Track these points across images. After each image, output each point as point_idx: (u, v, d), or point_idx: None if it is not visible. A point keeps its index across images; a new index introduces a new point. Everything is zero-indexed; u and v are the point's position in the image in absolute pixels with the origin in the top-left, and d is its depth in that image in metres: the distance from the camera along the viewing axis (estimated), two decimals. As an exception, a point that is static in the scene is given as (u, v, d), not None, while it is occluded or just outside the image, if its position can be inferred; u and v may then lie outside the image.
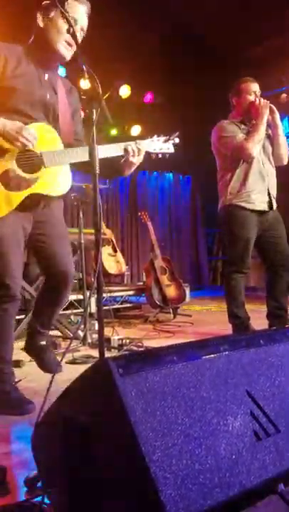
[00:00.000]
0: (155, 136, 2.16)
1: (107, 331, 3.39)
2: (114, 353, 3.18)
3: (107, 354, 2.64)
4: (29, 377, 2.41)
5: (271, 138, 3.30)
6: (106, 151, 1.98)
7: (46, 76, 2.07)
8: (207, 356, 1.09)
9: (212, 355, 1.10)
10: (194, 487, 0.86)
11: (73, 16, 1.92)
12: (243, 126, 3.22)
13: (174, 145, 2.21)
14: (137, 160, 2.08)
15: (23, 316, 3.53)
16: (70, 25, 1.72)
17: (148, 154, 2.15)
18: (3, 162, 1.92)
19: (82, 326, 3.56)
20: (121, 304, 5.43)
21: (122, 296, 5.41)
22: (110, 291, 5.01)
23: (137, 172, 8.56)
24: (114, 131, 6.90)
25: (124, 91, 6.53)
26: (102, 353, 1.54)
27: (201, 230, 9.39)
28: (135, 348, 3.28)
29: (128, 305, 5.62)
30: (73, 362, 2.89)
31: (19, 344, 2.65)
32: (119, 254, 5.57)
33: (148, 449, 0.85)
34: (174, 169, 9.01)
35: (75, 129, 2.17)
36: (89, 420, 0.97)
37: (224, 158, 3.26)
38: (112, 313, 4.10)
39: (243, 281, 3.26)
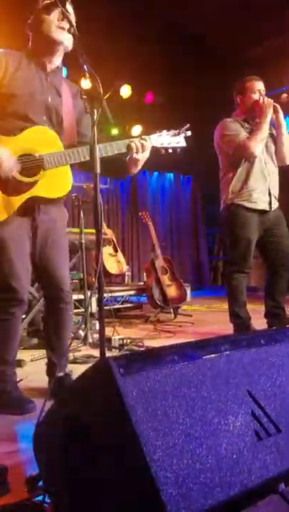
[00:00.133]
0: (164, 130, 2.06)
1: (108, 331, 3.40)
2: (115, 353, 3.18)
3: (108, 354, 2.64)
4: (30, 376, 2.42)
5: (274, 137, 3.28)
6: (107, 149, 1.93)
7: (48, 79, 2.06)
8: (208, 356, 1.09)
9: (213, 355, 1.10)
10: (195, 486, 0.86)
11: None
12: (246, 125, 3.21)
13: (186, 138, 2.08)
14: (141, 156, 2.00)
15: (23, 316, 3.53)
16: (71, 25, 1.71)
17: (157, 150, 2.04)
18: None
19: (83, 326, 3.56)
20: (122, 303, 5.43)
21: (122, 296, 5.41)
22: (111, 291, 5.02)
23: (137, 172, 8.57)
24: (115, 131, 6.91)
25: (125, 91, 6.54)
26: (102, 353, 1.54)
27: (202, 230, 9.39)
28: (136, 348, 3.28)
29: (129, 305, 5.62)
30: (74, 362, 2.89)
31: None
32: (119, 254, 5.58)
33: (149, 448, 0.85)
34: (175, 169, 9.02)
35: (82, 132, 2.14)
36: (90, 420, 0.97)
37: (227, 157, 3.25)
38: (113, 313, 4.10)
39: (245, 281, 3.26)
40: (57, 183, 1.98)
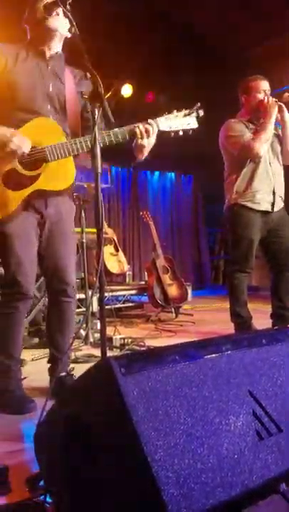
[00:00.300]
0: (175, 111, 1.92)
1: (109, 330, 3.40)
2: (116, 353, 3.18)
3: (109, 353, 2.64)
4: (31, 376, 2.42)
5: (280, 137, 3.26)
6: (111, 136, 1.86)
7: (49, 66, 2.05)
8: (209, 356, 1.09)
9: (214, 355, 1.10)
10: (196, 486, 0.86)
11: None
12: (251, 126, 3.18)
13: (198, 118, 1.92)
14: (147, 142, 1.90)
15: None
16: (72, 25, 1.71)
17: (165, 134, 1.92)
18: (6, 162, 1.93)
19: (84, 325, 3.56)
20: (123, 303, 5.43)
21: (124, 296, 5.41)
22: (112, 291, 5.02)
23: (138, 171, 8.57)
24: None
25: (127, 90, 6.53)
26: (104, 353, 1.54)
27: (203, 229, 9.39)
28: (137, 348, 3.27)
29: (130, 304, 5.62)
30: (75, 361, 2.89)
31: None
32: (120, 253, 5.58)
33: (150, 448, 0.85)
34: (176, 168, 9.01)
35: (87, 116, 2.06)
36: (91, 419, 0.97)
37: (231, 158, 3.23)
38: (114, 312, 4.10)
39: (246, 281, 3.25)
40: (60, 174, 1.96)
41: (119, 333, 3.55)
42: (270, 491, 0.95)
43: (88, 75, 1.63)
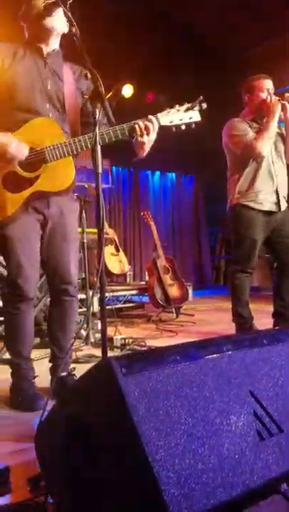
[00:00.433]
0: (177, 105, 1.87)
1: (110, 331, 3.40)
2: (116, 353, 3.18)
3: (110, 353, 2.64)
4: (32, 376, 2.41)
5: (283, 136, 3.24)
6: (111, 134, 1.83)
7: (47, 64, 2.04)
8: (210, 356, 1.09)
9: (215, 355, 1.10)
10: (197, 487, 0.86)
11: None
12: (254, 125, 3.17)
13: (201, 112, 1.87)
14: (147, 139, 1.87)
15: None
16: (73, 25, 1.71)
17: (167, 129, 1.87)
18: (5, 164, 1.93)
19: (85, 325, 3.56)
20: (124, 303, 5.44)
21: (124, 296, 5.41)
22: (113, 291, 5.03)
23: (139, 172, 8.58)
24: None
25: (127, 90, 6.53)
26: (104, 353, 1.54)
27: (204, 230, 9.39)
28: (138, 348, 3.27)
29: (131, 304, 5.63)
30: (76, 361, 2.89)
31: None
32: (121, 253, 5.58)
33: (151, 448, 0.85)
34: (177, 169, 9.02)
35: (87, 112, 2.06)
36: (91, 419, 0.97)
37: (234, 157, 3.22)
38: (115, 312, 4.11)
39: (248, 281, 3.25)
40: (59, 175, 1.95)
41: (120, 333, 3.55)
42: (271, 491, 0.95)
43: (89, 74, 1.62)
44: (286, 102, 3.11)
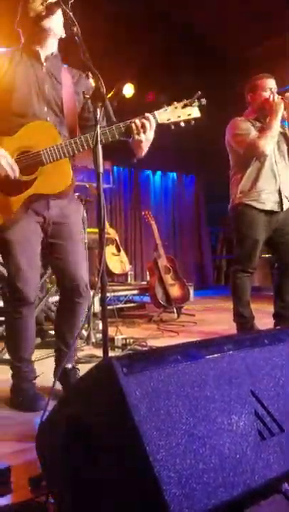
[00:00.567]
0: (175, 102, 1.82)
1: (111, 331, 3.40)
2: (117, 353, 3.18)
3: (111, 353, 2.64)
4: (33, 376, 2.41)
5: (286, 135, 3.23)
6: (108, 134, 1.81)
7: (44, 68, 2.02)
8: (211, 356, 1.09)
9: (216, 355, 1.10)
10: (198, 486, 0.86)
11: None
12: (257, 124, 3.17)
13: (200, 107, 1.82)
14: (145, 137, 1.83)
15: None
16: (74, 24, 1.70)
17: (166, 127, 1.82)
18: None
19: (86, 326, 3.56)
20: (125, 303, 5.43)
21: (125, 296, 5.41)
22: (114, 291, 5.02)
23: (140, 171, 8.58)
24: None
25: (128, 90, 6.54)
26: (105, 353, 1.54)
27: (205, 229, 9.39)
28: (139, 348, 3.27)
29: (132, 304, 5.62)
30: (77, 361, 2.89)
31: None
32: (122, 253, 5.58)
33: (152, 448, 0.85)
34: (178, 168, 9.01)
35: (86, 116, 2.08)
36: (92, 419, 0.97)
37: (237, 156, 3.22)
38: (116, 312, 4.11)
39: (249, 281, 3.24)
40: (56, 177, 1.93)
41: (121, 333, 3.55)
42: (272, 490, 0.95)
43: (90, 74, 1.62)
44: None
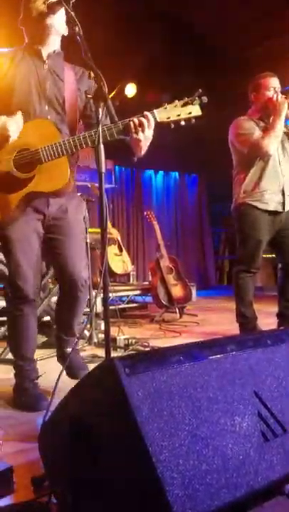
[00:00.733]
0: (176, 100, 1.78)
1: (113, 331, 3.39)
2: (120, 353, 3.18)
3: (113, 354, 2.64)
4: (35, 376, 2.41)
5: None
6: (106, 133, 1.79)
7: (46, 65, 2.03)
8: (214, 356, 1.08)
9: (219, 356, 1.09)
10: (201, 487, 0.86)
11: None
12: (261, 123, 3.15)
13: (201, 105, 1.77)
14: (143, 136, 1.80)
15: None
16: (76, 24, 1.70)
17: (165, 125, 1.78)
18: (1, 166, 1.93)
19: (88, 326, 3.56)
20: (127, 303, 5.43)
21: (127, 296, 5.41)
22: (116, 291, 5.02)
23: (142, 171, 8.58)
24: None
25: (130, 90, 6.54)
26: (108, 353, 1.53)
27: (207, 229, 9.38)
28: (141, 348, 3.27)
29: (134, 305, 5.62)
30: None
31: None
32: (124, 253, 5.58)
33: (155, 449, 0.85)
34: (180, 168, 9.01)
35: (88, 113, 2.09)
36: (95, 420, 0.97)
37: (240, 156, 3.21)
38: (118, 312, 4.10)
39: (252, 281, 3.23)
40: (54, 175, 1.93)
41: (123, 333, 3.54)
42: (275, 492, 0.95)
43: (92, 74, 1.62)
44: None
